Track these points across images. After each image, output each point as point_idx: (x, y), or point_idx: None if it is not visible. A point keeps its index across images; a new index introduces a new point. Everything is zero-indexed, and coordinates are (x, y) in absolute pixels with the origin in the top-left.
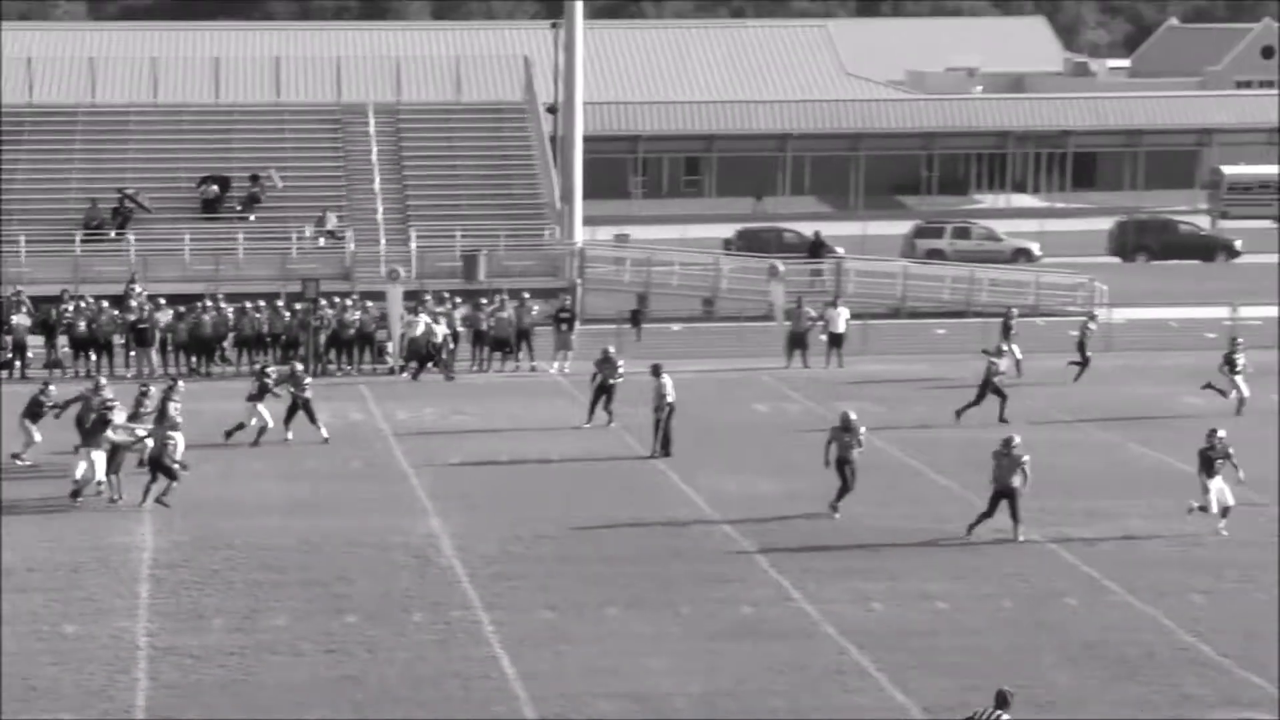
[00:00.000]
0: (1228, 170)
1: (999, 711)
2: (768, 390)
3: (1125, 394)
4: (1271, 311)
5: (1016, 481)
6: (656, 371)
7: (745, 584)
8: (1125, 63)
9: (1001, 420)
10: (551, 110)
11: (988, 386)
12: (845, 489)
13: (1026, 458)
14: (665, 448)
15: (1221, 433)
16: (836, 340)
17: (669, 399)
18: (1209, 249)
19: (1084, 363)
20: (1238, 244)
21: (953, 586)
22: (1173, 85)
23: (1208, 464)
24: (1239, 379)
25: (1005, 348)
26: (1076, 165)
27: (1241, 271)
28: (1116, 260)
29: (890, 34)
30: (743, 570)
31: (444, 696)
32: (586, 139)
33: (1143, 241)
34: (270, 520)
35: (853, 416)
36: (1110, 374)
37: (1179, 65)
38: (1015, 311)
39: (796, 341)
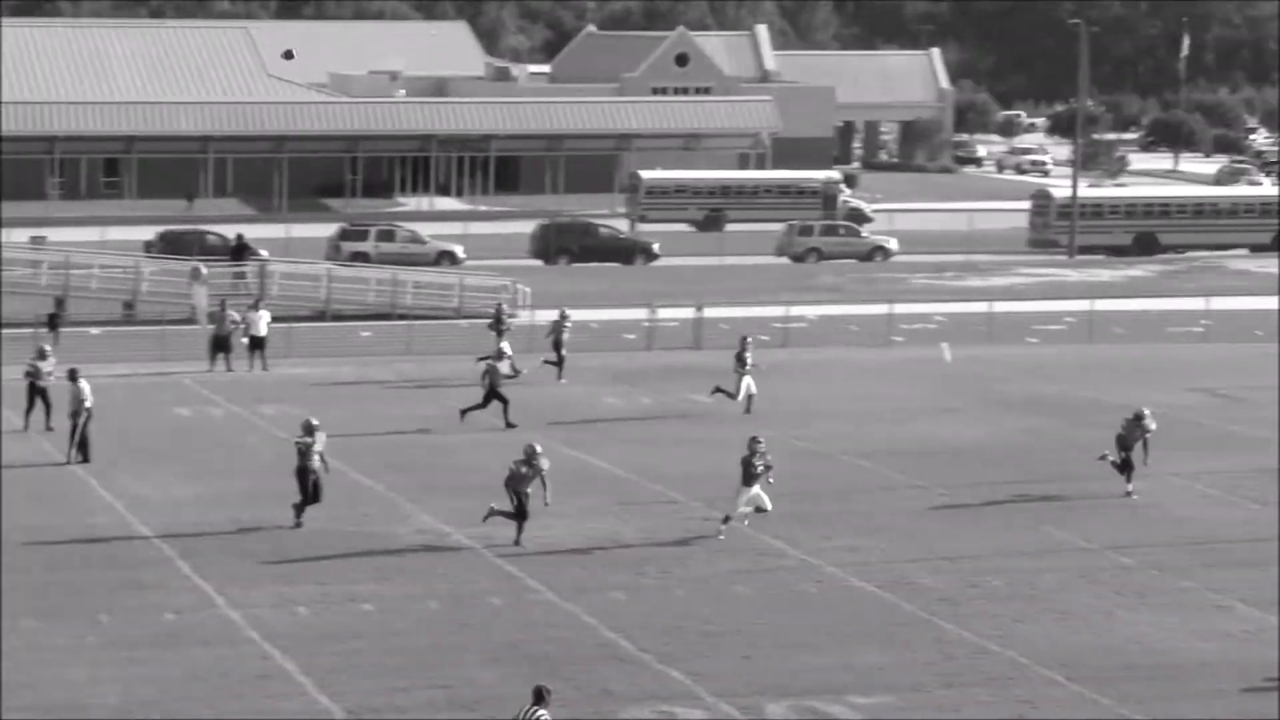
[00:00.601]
0: (645, 175)
1: (536, 708)
2: (190, 394)
3: (547, 395)
4: (687, 313)
5: (531, 489)
6: (73, 376)
7: (167, 591)
8: (546, 68)
9: (510, 425)
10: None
11: (492, 391)
12: (305, 500)
13: (547, 465)
14: (83, 453)
15: (762, 441)
16: (258, 343)
17: (87, 404)
18: (628, 252)
19: (559, 360)
20: (656, 247)
21: (378, 589)
22: (592, 91)
23: (748, 470)
24: (748, 379)
25: (504, 349)
26: (499, 169)
27: (659, 274)
28: (539, 263)
29: (312, 36)
30: (164, 577)
31: None
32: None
33: (564, 244)
34: None
35: (315, 422)
36: (533, 375)
37: (597, 72)
38: (506, 309)
39: (219, 345)
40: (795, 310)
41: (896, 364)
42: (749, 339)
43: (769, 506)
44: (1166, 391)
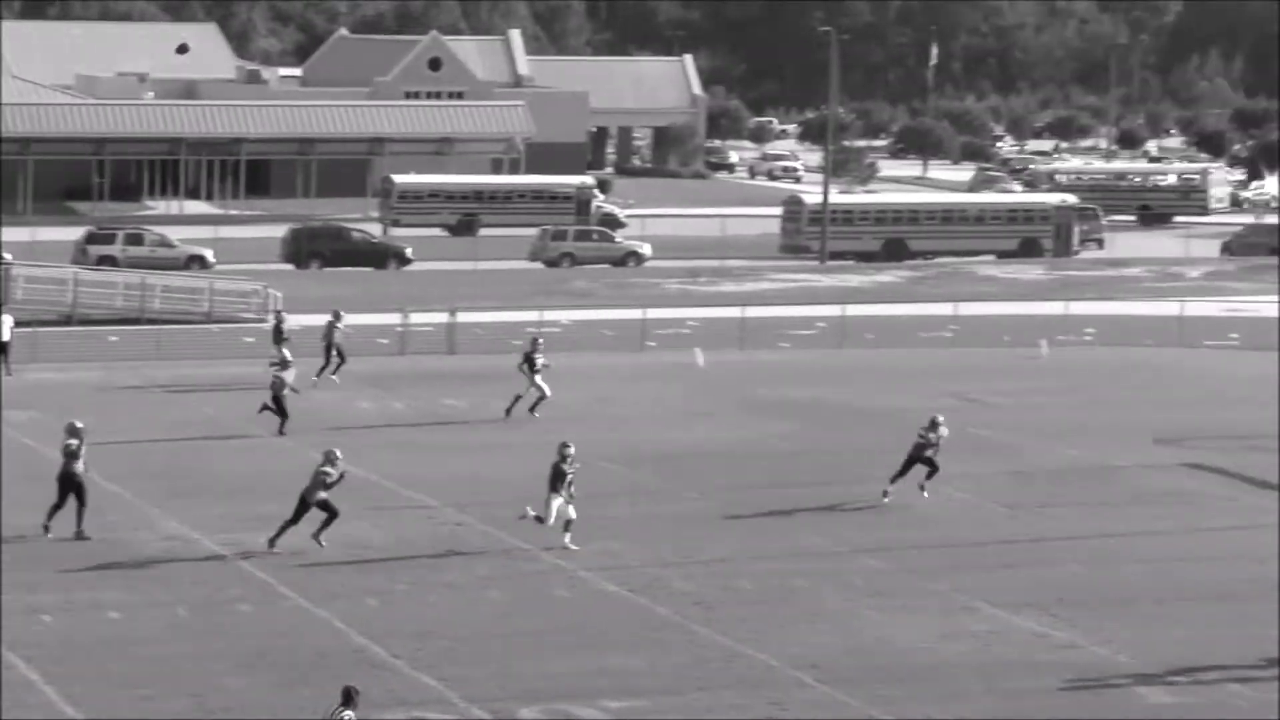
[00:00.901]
0: (398, 179)
1: (343, 709)
2: None
3: (301, 400)
4: (441, 318)
5: (322, 495)
6: None
7: None
8: (297, 71)
9: (281, 433)
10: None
11: (279, 401)
12: (61, 505)
13: (332, 472)
14: None
15: (572, 448)
16: (1, 348)
17: None
18: (380, 256)
19: (340, 360)
20: (409, 251)
21: (126, 596)
22: (344, 95)
23: (557, 477)
24: (539, 379)
25: (287, 356)
26: (249, 172)
27: (412, 278)
28: (290, 267)
29: (59, 37)
30: None
31: None
32: None
33: (315, 248)
34: None
35: (79, 425)
36: (303, 380)
37: (350, 75)
38: (285, 316)
39: None
40: (549, 315)
41: (650, 369)
42: (540, 340)
43: (574, 515)
44: (917, 396)
